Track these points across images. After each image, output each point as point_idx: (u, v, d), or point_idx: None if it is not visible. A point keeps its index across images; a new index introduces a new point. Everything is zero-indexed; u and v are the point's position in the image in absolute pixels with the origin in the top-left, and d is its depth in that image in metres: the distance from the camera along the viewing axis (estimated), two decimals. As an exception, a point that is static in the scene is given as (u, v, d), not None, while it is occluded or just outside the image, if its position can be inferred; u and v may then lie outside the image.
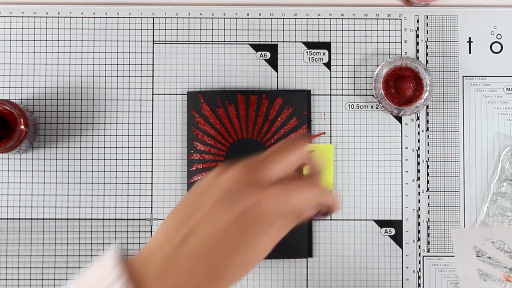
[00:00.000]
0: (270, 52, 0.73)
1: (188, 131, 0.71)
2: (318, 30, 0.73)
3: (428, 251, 0.71)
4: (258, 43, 0.73)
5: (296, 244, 0.70)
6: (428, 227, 0.72)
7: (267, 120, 0.71)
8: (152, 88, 0.72)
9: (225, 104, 0.71)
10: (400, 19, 0.73)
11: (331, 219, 0.71)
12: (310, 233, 0.71)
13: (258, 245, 0.45)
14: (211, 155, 0.70)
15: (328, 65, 0.73)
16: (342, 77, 0.73)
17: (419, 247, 0.72)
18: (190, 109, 0.71)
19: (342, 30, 0.73)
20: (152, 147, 0.72)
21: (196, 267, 0.43)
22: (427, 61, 0.73)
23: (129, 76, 0.72)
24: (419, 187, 0.72)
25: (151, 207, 0.71)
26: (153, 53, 0.73)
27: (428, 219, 0.72)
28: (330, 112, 0.73)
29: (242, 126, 0.71)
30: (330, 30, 0.73)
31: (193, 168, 0.70)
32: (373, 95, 0.73)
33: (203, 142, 0.71)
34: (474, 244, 0.68)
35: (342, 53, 0.73)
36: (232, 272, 0.44)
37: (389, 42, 0.73)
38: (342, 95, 0.73)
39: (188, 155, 0.71)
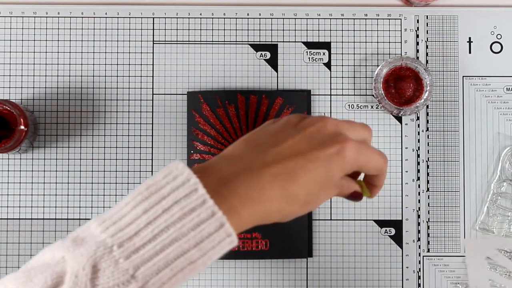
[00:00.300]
0: (270, 52, 0.73)
1: (188, 131, 0.71)
2: (318, 30, 0.73)
3: (428, 251, 0.71)
4: (258, 43, 0.73)
5: (296, 244, 0.70)
6: (428, 227, 0.72)
7: (267, 120, 0.71)
8: (152, 88, 0.72)
9: (225, 104, 0.71)
10: (400, 19, 0.73)
11: (331, 219, 0.71)
12: (310, 233, 0.71)
13: (326, 191, 0.47)
14: (211, 155, 0.70)
15: (328, 65, 0.73)
16: (342, 77, 0.73)
17: (419, 247, 0.72)
18: (190, 109, 0.71)
19: (342, 30, 0.73)
20: (152, 147, 0.72)
21: (274, 190, 0.45)
22: (427, 61, 0.73)
23: (129, 76, 0.72)
24: (419, 187, 0.72)
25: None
26: (153, 53, 0.73)
27: (428, 219, 0.72)
28: (330, 112, 0.73)
29: (242, 126, 0.71)
30: (330, 30, 0.73)
31: None
32: (373, 95, 0.73)
33: (203, 142, 0.70)
34: (487, 255, 0.69)
35: (342, 53, 0.73)
36: (298, 208, 0.47)
37: (389, 42, 0.73)
38: (342, 95, 0.73)
39: (188, 155, 0.71)
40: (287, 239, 0.70)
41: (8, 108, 0.66)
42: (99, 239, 0.41)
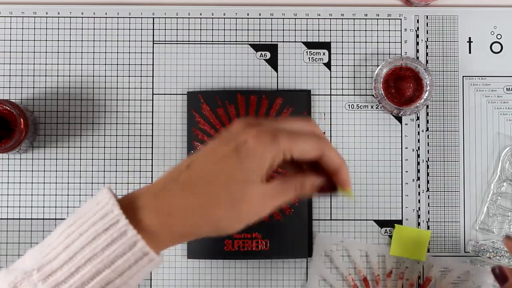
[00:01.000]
0: (270, 52, 0.73)
1: (188, 131, 0.71)
2: (318, 30, 0.73)
3: (428, 251, 0.71)
4: (258, 43, 0.73)
5: (296, 244, 0.70)
6: (428, 227, 0.72)
7: None
8: (152, 88, 0.72)
9: (225, 104, 0.71)
10: (400, 19, 0.73)
11: (331, 219, 0.71)
12: (310, 233, 0.71)
13: (249, 187, 0.45)
14: None
15: (328, 65, 0.73)
16: (342, 77, 0.73)
17: (419, 247, 0.72)
18: (190, 109, 0.71)
19: (342, 30, 0.73)
20: (152, 147, 0.72)
21: (186, 198, 0.44)
22: (427, 61, 0.73)
23: (129, 76, 0.72)
24: (419, 187, 0.72)
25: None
26: (153, 53, 0.73)
27: (428, 219, 0.72)
28: (330, 112, 0.73)
29: None
30: (330, 30, 0.73)
31: None
32: (373, 95, 0.73)
33: (204, 142, 0.70)
34: (325, 250, 0.70)
35: (342, 53, 0.73)
36: (224, 211, 0.45)
37: (389, 42, 0.73)
38: (342, 95, 0.73)
39: (188, 155, 0.71)
40: (287, 239, 0.70)
41: (8, 108, 0.66)
42: (25, 266, 0.43)
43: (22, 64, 0.72)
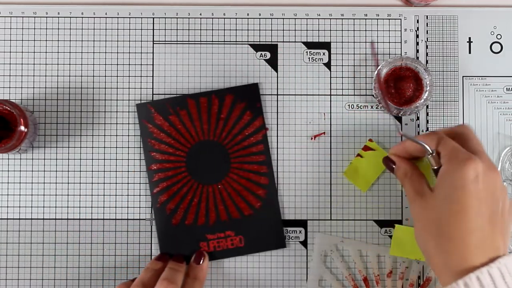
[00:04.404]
0: (270, 52, 0.73)
1: (144, 143, 0.71)
2: (318, 30, 0.73)
3: (428, 251, 0.71)
4: (258, 43, 0.73)
5: (272, 236, 0.70)
6: (428, 227, 0.72)
7: (221, 119, 0.71)
8: (152, 88, 0.72)
9: (177, 111, 0.71)
10: (400, 19, 0.73)
11: (331, 219, 0.71)
12: (281, 224, 0.71)
13: None
14: (170, 163, 0.70)
15: (328, 65, 0.73)
16: (342, 77, 0.73)
17: (419, 247, 0.72)
18: (142, 121, 0.71)
19: (342, 30, 0.73)
20: (152, 147, 0.72)
21: None
22: (427, 61, 0.73)
23: (129, 76, 0.72)
24: (419, 187, 0.72)
25: (151, 207, 0.71)
26: (153, 53, 0.73)
27: (428, 219, 0.72)
28: (330, 112, 0.73)
29: (197, 129, 0.71)
30: (330, 30, 0.73)
31: (155, 179, 0.70)
32: (373, 95, 0.73)
33: (161, 151, 0.70)
34: (325, 250, 0.70)
35: (342, 53, 0.73)
36: None
37: (389, 42, 0.73)
38: (342, 95, 0.73)
39: (147, 167, 0.71)
40: (261, 233, 0.70)
41: (8, 108, 0.66)
42: None
43: (22, 64, 0.72)
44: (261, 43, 0.73)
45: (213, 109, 0.71)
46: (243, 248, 0.70)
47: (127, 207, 0.71)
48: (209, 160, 0.71)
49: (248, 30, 0.73)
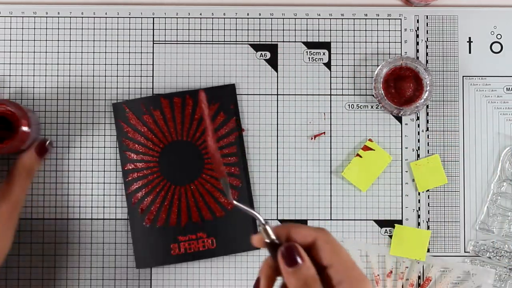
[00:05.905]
0: (270, 52, 0.73)
1: (119, 142, 0.71)
2: (318, 30, 0.73)
3: (428, 251, 0.71)
4: (258, 43, 0.73)
5: (243, 237, 0.70)
6: (428, 227, 0.72)
7: (194, 119, 0.71)
8: (152, 88, 0.72)
9: (150, 110, 0.71)
10: (400, 19, 0.73)
11: (331, 219, 0.71)
12: (255, 225, 0.71)
13: None
14: (145, 163, 0.70)
15: (328, 65, 0.73)
16: (342, 77, 0.73)
17: (419, 247, 0.72)
18: (117, 121, 0.71)
19: (342, 30, 0.73)
20: (152, 147, 0.72)
21: None
22: (427, 61, 0.73)
23: (129, 76, 0.72)
24: (419, 187, 0.72)
25: (127, 207, 0.71)
26: (153, 53, 0.73)
27: (428, 219, 0.72)
28: (330, 112, 0.73)
29: (170, 130, 0.71)
30: (330, 30, 0.73)
31: (129, 178, 0.70)
32: (373, 95, 0.73)
33: (135, 151, 0.70)
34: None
35: (342, 53, 0.73)
36: None
37: (389, 42, 0.73)
38: (342, 95, 0.73)
39: (122, 166, 0.71)
40: (232, 234, 0.70)
41: (10, 109, 0.66)
42: None
43: (22, 64, 0.72)
44: (261, 43, 0.73)
45: (187, 109, 0.71)
46: (215, 249, 0.70)
47: (127, 207, 0.71)
48: (182, 160, 0.70)
49: (248, 30, 0.73)
